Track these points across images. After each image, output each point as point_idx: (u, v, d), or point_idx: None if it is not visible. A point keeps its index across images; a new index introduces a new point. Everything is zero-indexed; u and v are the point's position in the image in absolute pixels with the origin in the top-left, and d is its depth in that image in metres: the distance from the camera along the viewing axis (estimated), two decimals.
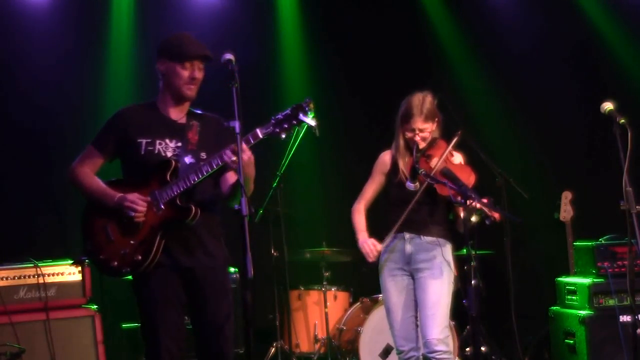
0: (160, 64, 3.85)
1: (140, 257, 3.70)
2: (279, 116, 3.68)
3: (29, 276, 5.16)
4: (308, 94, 5.56)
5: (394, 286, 4.45)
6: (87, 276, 5.27)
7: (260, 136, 3.67)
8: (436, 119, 4.44)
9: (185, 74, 3.81)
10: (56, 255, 5.40)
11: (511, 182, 5.91)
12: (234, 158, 3.60)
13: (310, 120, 3.67)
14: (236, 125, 3.51)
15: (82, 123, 6.49)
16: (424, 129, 4.41)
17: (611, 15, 7.21)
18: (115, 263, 3.73)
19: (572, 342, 5.62)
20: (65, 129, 6.50)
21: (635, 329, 4.48)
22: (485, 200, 4.09)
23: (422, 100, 4.40)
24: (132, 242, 3.72)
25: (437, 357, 4.25)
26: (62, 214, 6.51)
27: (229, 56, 3.65)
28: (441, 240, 4.36)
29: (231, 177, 3.84)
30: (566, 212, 6.04)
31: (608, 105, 4.31)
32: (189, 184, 3.70)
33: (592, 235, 5.81)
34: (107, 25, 6.73)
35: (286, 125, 3.67)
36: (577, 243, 5.88)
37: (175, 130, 3.85)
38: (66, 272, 5.23)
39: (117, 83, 6.68)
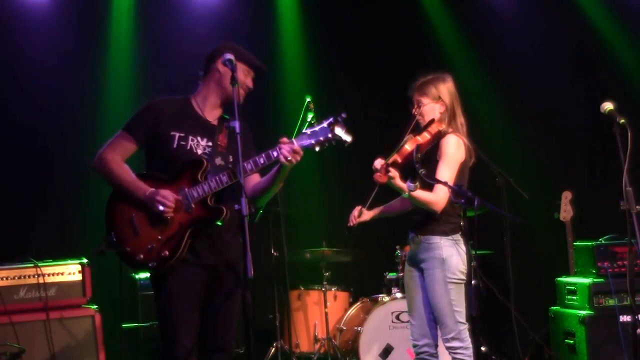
0: (220, 63, 3.83)
1: (167, 253, 3.71)
2: (315, 128, 3.72)
3: (29, 276, 5.16)
4: (308, 94, 5.61)
5: (410, 282, 4.47)
6: (87, 276, 5.27)
7: (296, 146, 3.69)
8: (440, 99, 4.37)
9: (243, 77, 3.86)
10: (56, 255, 5.40)
11: (511, 182, 5.90)
12: (289, 157, 3.66)
13: (345, 135, 3.71)
14: (236, 125, 3.52)
15: (83, 123, 6.50)
16: (420, 102, 4.38)
17: (611, 16, 7.21)
18: (142, 256, 3.73)
19: (572, 342, 5.62)
20: (66, 129, 6.51)
21: (635, 329, 4.48)
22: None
23: (428, 75, 4.43)
24: (159, 237, 3.72)
25: (452, 352, 4.28)
26: (62, 213, 6.51)
27: (229, 56, 3.67)
28: (437, 237, 4.30)
29: (254, 178, 3.90)
30: (566, 212, 6.04)
31: (608, 105, 4.31)
32: (221, 185, 3.71)
33: (592, 235, 5.81)
34: (107, 25, 6.74)
35: (322, 139, 3.71)
36: (577, 243, 5.88)
37: (207, 130, 3.87)
38: (66, 272, 5.23)
39: (117, 83, 6.69)
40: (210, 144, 3.85)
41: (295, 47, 7.25)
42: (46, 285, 5.16)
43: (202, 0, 7.00)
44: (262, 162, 3.72)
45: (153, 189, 3.73)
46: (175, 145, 3.80)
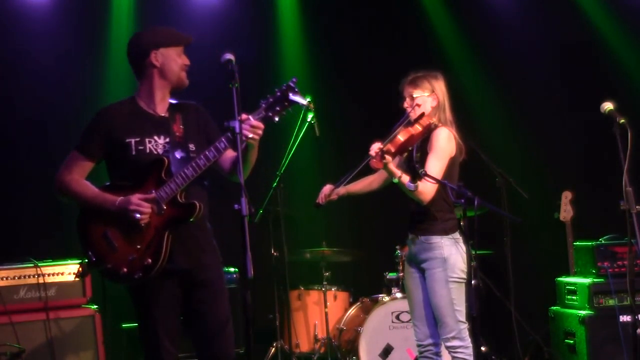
0: (154, 56, 3.77)
1: (150, 261, 3.62)
2: (270, 99, 3.64)
3: (29, 276, 5.16)
4: (308, 94, 5.60)
5: (412, 283, 4.47)
6: (87, 276, 5.26)
7: (254, 122, 3.62)
8: (433, 91, 4.39)
9: (183, 59, 3.82)
10: (56, 255, 5.39)
11: (511, 182, 5.91)
12: (250, 135, 3.58)
13: (301, 99, 3.63)
14: (236, 125, 3.47)
15: (84, 123, 6.47)
16: (411, 95, 4.39)
17: (611, 15, 7.21)
18: (125, 270, 3.64)
19: (572, 342, 5.62)
20: (67, 129, 6.49)
21: (635, 329, 4.49)
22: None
23: (419, 72, 4.45)
24: (138, 246, 3.64)
25: (452, 351, 4.30)
26: (62, 213, 6.49)
27: (229, 56, 3.60)
28: (437, 237, 4.30)
29: (230, 152, 3.77)
30: (566, 212, 6.04)
31: (608, 105, 4.31)
32: (187, 180, 3.64)
33: (592, 235, 5.81)
34: (107, 25, 6.74)
35: (278, 108, 3.63)
36: (577, 243, 5.88)
37: (161, 126, 3.78)
38: (66, 272, 5.22)
39: (118, 83, 6.67)
40: (168, 139, 3.76)
41: (295, 48, 7.24)
42: (46, 285, 5.15)
43: (202, 0, 7.00)
44: (223, 146, 3.65)
45: (122, 198, 3.64)
46: (134, 152, 3.72)
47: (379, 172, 4.52)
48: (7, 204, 6.28)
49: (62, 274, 5.21)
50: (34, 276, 5.15)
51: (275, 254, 6.22)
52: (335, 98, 7.10)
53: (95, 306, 5.27)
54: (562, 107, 7.26)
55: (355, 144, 6.93)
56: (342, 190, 4.63)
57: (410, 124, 4.27)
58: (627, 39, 7.18)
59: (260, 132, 3.63)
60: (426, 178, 4.13)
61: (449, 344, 4.29)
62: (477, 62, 7.33)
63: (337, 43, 7.25)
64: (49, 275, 5.17)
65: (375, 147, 4.11)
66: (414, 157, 4.32)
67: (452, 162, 4.33)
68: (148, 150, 3.74)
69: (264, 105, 3.64)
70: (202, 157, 3.65)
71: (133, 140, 3.74)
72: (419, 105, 4.36)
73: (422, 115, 4.30)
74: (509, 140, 7.25)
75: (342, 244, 6.50)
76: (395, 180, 4.18)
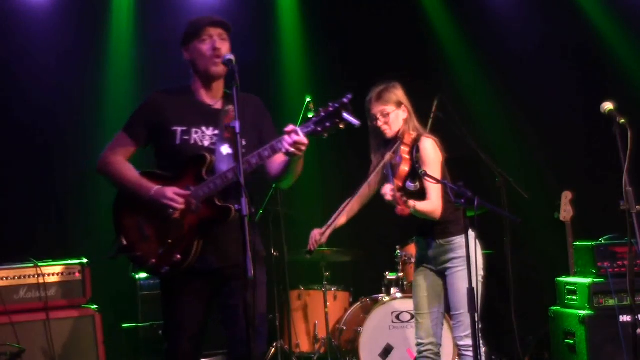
0: (185, 52, 3.75)
1: (179, 257, 3.57)
2: (322, 113, 3.49)
3: (29, 276, 5.16)
4: (308, 94, 5.60)
5: (422, 281, 4.51)
6: (87, 276, 5.26)
7: (299, 138, 3.47)
8: (402, 104, 4.42)
9: (206, 47, 3.70)
10: (56, 255, 5.39)
11: (511, 182, 5.91)
12: (292, 150, 3.45)
13: (354, 119, 3.46)
14: (236, 125, 3.44)
15: (83, 123, 6.51)
16: (384, 112, 4.41)
17: (611, 16, 7.22)
18: (154, 261, 3.60)
19: (572, 342, 5.62)
20: (66, 129, 6.51)
21: (635, 329, 4.48)
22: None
23: (379, 86, 4.48)
24: (169, 240, 3.58)
25: (465, 350, 4.34)
26: (62, 213, 6.51)
27: (230, 56, 3.57)
28: (458, 237, 4.35)
29: (278, 157, 3.65)
30: (566, 212, 6.04)
31: (608, 105, 4.31)
32: (226, 182, 3.55)
33: (592, 235, 5.81)
34: (107, 25, 6.74)
35: (328, 124, 3.46)
36: (577, 243, 5.88)
37: (211, 117, 3.70)
38: (66, 272, 5.22)
39: (118, 83, 6.69)
40: (217, 132, 3.67)
41: (295, 47, 7.25)
42: (46, 285, 5.15)
43: (202, 1, 7.00)
44: (267, 154, 3.55)
45: (158, 188, 3.57)
46: (178, 141, 3.65)
47: (356, 194, 4.57)
48: (7, 204, 6.28)
49: (62, 274, 5.21)
50: (34, 276, 5.15)
51: (275, 254, 6.22)
52: (335, 98, 7.07)
53: (95, 306, 5.27)
54: (562, 107, 7.26)
55: (356, 144, 6.95)
56: (329, 230, 4.65)
57: (398, 150, 4.31)
58: (626, 39, 7.19)
59: (303, 148, 3.48)
60: (426, 178, 4.16)
61: (462, 342, 4.34)
62: (478, 62, 7.33)
63: (337, 43, 7.25)
64: (49, 275, 5.17)
65: (389, 191, 4.06)
66: (414, 156, 4.34)
67: (442, 166, 4.42)
68: (193, 141, 3.66)
69: (314, 119, 3.50)
70: (244, 162, 3.52)
71: (179, 129, 3.67)
72: (390, 125, 4.39)
73: (398, 133, 4.37)
74: (509, 140, 7.25)
75: (342, 244, 6.49)
76: (412, 210, 4.16)
